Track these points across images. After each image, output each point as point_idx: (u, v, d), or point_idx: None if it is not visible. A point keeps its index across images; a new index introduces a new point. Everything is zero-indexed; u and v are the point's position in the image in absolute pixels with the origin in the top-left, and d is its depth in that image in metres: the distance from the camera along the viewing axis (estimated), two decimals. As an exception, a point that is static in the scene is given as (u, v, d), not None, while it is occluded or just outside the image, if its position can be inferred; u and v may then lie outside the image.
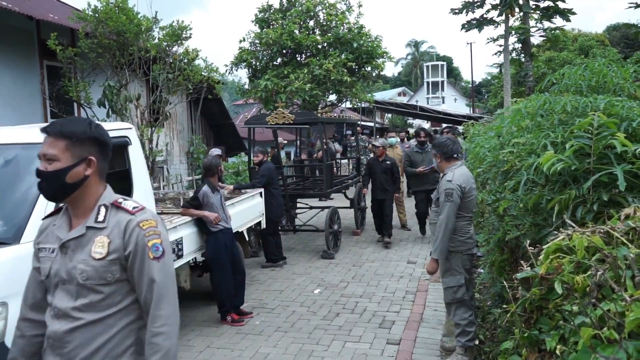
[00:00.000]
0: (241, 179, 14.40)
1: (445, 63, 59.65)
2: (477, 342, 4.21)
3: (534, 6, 17.45)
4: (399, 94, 56.18)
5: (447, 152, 4.17)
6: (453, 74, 66.32)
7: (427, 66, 59.23)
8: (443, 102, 52.83)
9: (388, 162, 8.65)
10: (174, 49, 8.83)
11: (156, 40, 8.63)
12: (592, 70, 4.11)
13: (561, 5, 17.14)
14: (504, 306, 2.69)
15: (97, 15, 8.02)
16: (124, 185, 4.32)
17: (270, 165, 7.58)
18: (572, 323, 1.81)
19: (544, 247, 2.35)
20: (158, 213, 4.92)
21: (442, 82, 57.54)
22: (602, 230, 2.17)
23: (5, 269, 3.00)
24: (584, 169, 2.76)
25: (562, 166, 2.70)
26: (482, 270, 5.92)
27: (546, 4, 17.33)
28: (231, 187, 7.38)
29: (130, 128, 4.51)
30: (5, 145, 3.80)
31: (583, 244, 2.06)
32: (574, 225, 2.41)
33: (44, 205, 3.32)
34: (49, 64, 9.02)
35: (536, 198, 3.05)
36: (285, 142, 12.94)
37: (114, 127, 4.37)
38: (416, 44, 66.18)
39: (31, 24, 8.61)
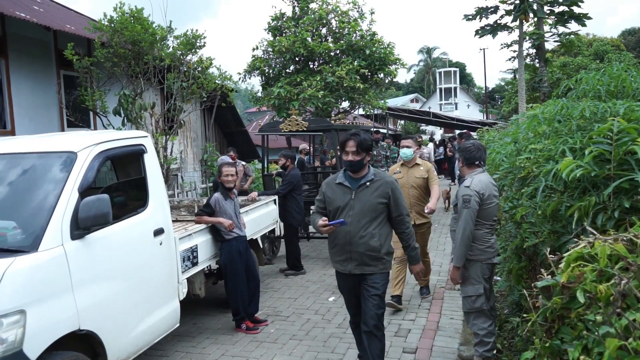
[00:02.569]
0: (254, 186, 14.44)
1: (457, 69, 59.51)
2: (495, 352, 4.14)
3: (548, 11, 17.32)
4: (412, 101, 56.08)
5: (469, 158, 4.12)
6: (466, 80, 66.11)
7: (440, 72, 59.12)
8: (456, 109, 52.61)
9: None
10: (188, 57, 8.91)
11: (171, 49, 8.71)
12: (610, 75, 4.05)
13: (576, 10, 17.00)
14: (524, 315, 2.65)
15: (112, 25, 8.13)
16: (140, 193, 4.35)
17: (296, 172, 7.62)
18: (596, 333, 1.77)
19: (564, 255, 2.31)
20: (173, 220, 4.94)
21: (455, 88, 57.36)
22: (625, 238, 2.12)
23: (23, 277, 3.02)
24: (604, 175, 2.71)
25: (581, 172, 2.66)
26: (499, 278, 5.85)
27: (561, 9, 17.20)
28: (256, 194, 7.43)
29: (146, 136, 4.54)
30: (23, 154, 3.84)
31: (606, 252, 2.02)
32: (595, 232, 2.37)
33: (62, 214, 3.35)
34: (66, 73, 9.15)
35: (555, 205, 3.00)
36: (307, 147, 12.91)
37: (130, 136, 4.40)
38: (428, 51, 66.13)
39: (48, 34, 8.75)
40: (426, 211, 5.64)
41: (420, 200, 5.81)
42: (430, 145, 21.06)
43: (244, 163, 9.19)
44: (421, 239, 5.81)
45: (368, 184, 3.70)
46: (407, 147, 5.88)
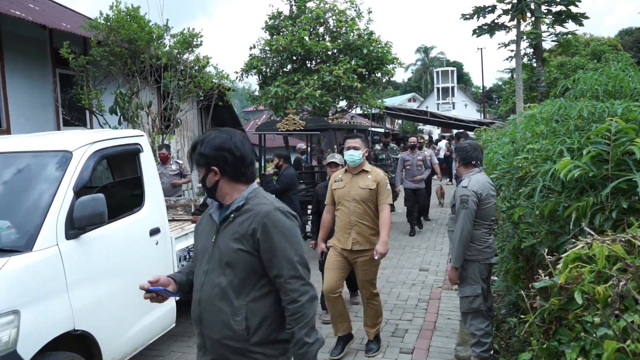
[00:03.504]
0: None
1: (455, 69, 59.53)
2: (492, 352, 4.14)
3: (545, 11, 17.33)
4: (409, 100, 56.08)
5: (466, 158, 4.11)
6: (463, 79, 66.16)
7: (437, 72, 59.14)
8: (453, 108, 52.65)
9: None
10: (185, 56, 8.88)
11: (167, 48, 8.68)
12: (608, 75, 4.05)
13: (574, 9, 17.01)
14: (522, 316, 2.64)
15: (109, 23, 8.10)
16: (135, 193, 4.32)
17: (291, 172, 7.58)
18: (594, 335, 1.76)
19: (562, 255, 2.30)
20: (169, 220, 4.92)
21: (453, 87, 57.39)
22: (623, 239, 2.11)
23: (17, 277, 3.00)
24: (602, 176, 2.70)
25: (579, 173, 2.65)
26: (496, 278, 5.84)
27: (558, 8, 17.20)
28: None
29: (142, 135, 4.52)
30: (17, 153, 3.81)
31: (604, 252, 2.01)
32: (592, 233, 2.36)
33: (57, 213, 3.32)
34: (62, 72, 9.11)
35: (552, 205, 2.99)
36: (304, 147, 12.85)
37: (126, 135, 4.38)
38: (426, 50, 66.13)
39: (44, 33, 8.71)
40: (376, 257, 4.23)
41: (365, 218, 4.35)
42: (443, 143, 20.52)
43: (180, 162, 8.80)
44: (363, 272, 4.43)
45: (232, 216, 2.16)
46: (355, 148, 4.35)
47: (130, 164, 4.63)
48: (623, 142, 2.61)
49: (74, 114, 8.61)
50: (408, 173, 9.99)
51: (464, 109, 52.70)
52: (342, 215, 4.44)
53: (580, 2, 16.58)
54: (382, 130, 25.47)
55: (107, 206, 3.51)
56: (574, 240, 2.53)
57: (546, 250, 2.63)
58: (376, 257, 4.22)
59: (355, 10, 14.68)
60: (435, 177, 11.38)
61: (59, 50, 7.91)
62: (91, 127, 9.51)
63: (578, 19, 17.10)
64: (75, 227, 3.41)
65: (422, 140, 11.88)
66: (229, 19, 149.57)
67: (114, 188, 4.75)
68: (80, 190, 3.54)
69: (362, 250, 4.37)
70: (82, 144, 3.76)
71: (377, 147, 11.36)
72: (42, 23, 8.11)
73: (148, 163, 4.45)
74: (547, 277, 2.30)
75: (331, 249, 4.56)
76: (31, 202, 3.42)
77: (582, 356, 1.88)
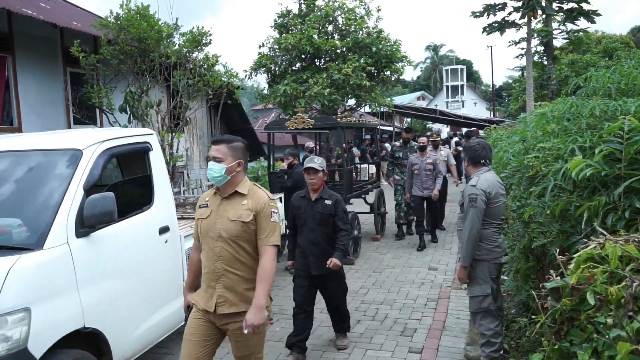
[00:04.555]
0: (260, 184, 14.41)
1: (464, 67, 59.21)
2: (502, 352, 4.11)
3: (557, 8, 17.17)
4: (418, 98, 55.84)
5: (474, 157, 4.07)
6: (473, 77, 65.78)
7: (447, 70, 58.87)
8: (463, 106, 52.40)
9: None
10: (194, 54, 8.89)
11: (177, 47, 8.70)
12: (621, 73, 4.00)
13: (585, 6, 16.83)
14: (533, 317, 2.61)
15: (119, 22, 8.12)
16: (145, 191, 4.34)
17: (300, 169, 7.58)
18: (607, 336, 1.74)
19: (574, 255, 2.27)
20: (178, 218, 4.93)
21: (462, 86, 57.11)
22: (636, 239, 2.09)
23: (28, 275, 3.01)
24: (615, 175, 2.67)
25: (591, 172, 2.63)
26: (506, 278, 5.80)
27: (570, 5, 17.04)
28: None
29: (151, 134, 4.53)
30: (28, 151, 3.84)
31: (617, 253, 1.98)
32: (605, 233, 2.33)
33: (67, 212, 3.34)
34: (72, 70, 9.16)
35: (564, 204, 2.96)
36: (312, 145, 12.81)
37: (135, 133, 4.40)
38: (435, 48, 65.81)
39: (55, 32, 8.76)
40: (245, 331, 2.81)
41: (235, 266, 2.96)
42: (453, 142, 19.75)
43: None
44: (237, 346, 3.05)
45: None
46: (218, 160, 2.97)
47: (139, 162, 4.64)
48: (636, 141, 2.58)
49: (84, 113, 8.65)
50: (416, 178, 8.80)
51: (473, 107, 52.42)
52: (206, 259, 3.04)
53: (592, -2, 16.40)
54: (390, 128, 25.40)
55: (117, 204, 3.52)
56: (585, 240, 2.50)
57: (557, 250, 2.61)
58: (245, 331, 2.80)
59: (364, 8, 14.63)
60: (451, 180, 10.49)
61: (70, 49, 7.94)
62: (101, 126, 9.56)
63: (590, 16, 16.92)
64: (85, 225, 3.42)
65: (437, 139, 10.37)
66: (236, 17, 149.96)
67: (123, 186, 4.77)
68: (91, 188, 3.56)
69: (232, 314, 2.96)
70: (92, 142, 3.77)
71: (397, 144, 10.64)
72: (53, 22, 8.15)
73: (157, 161, 4.46)
74: (558, 277, 2.28)
75: (193, 308, 3.15)
76: (42, 201, 3.44)
77: (594, 357, 1.86)
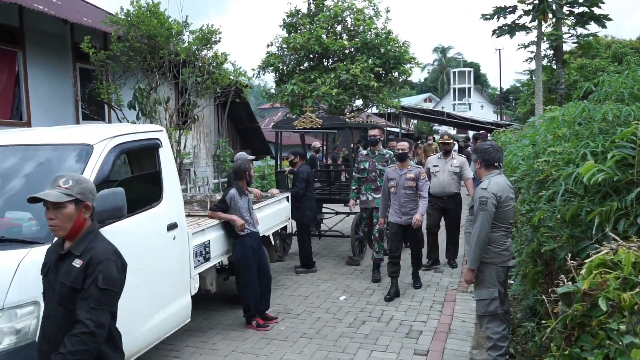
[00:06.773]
0: (266, 183, 14.47)
1: (472, 69, 59.11)
2: (508, 356, 4.09)
3: (567, 12, 17.08)
4: (425, 100, 55.79)
5: (488, 160, 4.04)
6: (480, 80, 65.64)
7: (454, 72, 58.78)
8: (470, 109, 52.26)
9: None
10: (204, 52, 8.90)
11: (186, 44, 8.72)
12: (634, 78, 3.97)
13: (596, 11, 16.73)
14: (542, 322, 2.60)
15: (129, 19, 8.15)
16: (154, 187, 4.34)
17: (307, 169, 7.59)
18: (619, 343, 1.73)
19: (585, 260, 2.26)
20: (186, 215, 4.94)
21: (469, 88, 56.99)
22: (650, 246, 2.07)
23: (37, 268, 3.01)
24: (627, 180, 2.66)
25: (603, 177, 2.61)
26: (512, 282, 5.78)
27: (581, 9, 16.94)
28: (276, 190, 7.40)
29: (161, 130, 4.54)
30: (39, 145, 3.86)
31: (630, 259, 1.97)
32: (617, 238, 2.32)
33: (76, 206, 3.34)
34: (82, 66, 9.20)
35: (575, 209, 2.95)
36: (319, 145, 12.80)
37: (146, 130, 4.41)
38: (443, 50, 65.70)
39: (65, 28, 8.80)
40: None
41: None
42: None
43: None
44: None
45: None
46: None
47: (149, 158, 4.65)
48: (650, 147, 2.56)
49: (93, 108, 8.69)
50: (394, 199, 6.32)
51: (480, 110, 52.27)
52: None
53: (603, 2, 16.29)
54: (397, 130, 25.36)
55: (126, 200, 3.53)
56: (596, 245, 2.49)
57: (569, 255, 2.59)
58: None
59: (373, 9, 14.64)
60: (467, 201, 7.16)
61: (80, 45, 7.98)
62: (109, 122, 9.60)
63: (601, 20, 16.82)
64: (95, 220, 3.43)
65: (449, 142, 7.68)
66: (241, 16, 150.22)
67: (132, 182, 4.78)
68: (101, 183, 3.57)
69: None
70: (103, 137, 3.79)
71: (363, 152, 7.54)
72: (64, 18, 8.20)
73: (167, 158, 4.47)
74: (569, 282, 2.26)
75: None
76: (52, 195, 3.44)
77: (606, 364, 1.85)
